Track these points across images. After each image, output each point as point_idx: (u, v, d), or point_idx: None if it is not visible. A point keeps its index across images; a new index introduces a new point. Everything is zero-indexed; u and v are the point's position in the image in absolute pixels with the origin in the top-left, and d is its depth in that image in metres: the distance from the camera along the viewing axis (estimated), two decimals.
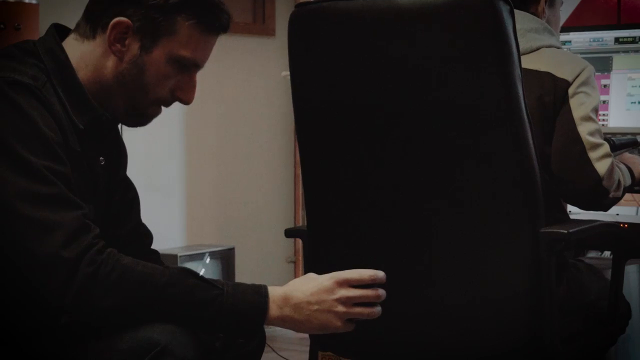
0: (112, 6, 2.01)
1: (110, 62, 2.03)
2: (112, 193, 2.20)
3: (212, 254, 5.12)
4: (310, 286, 1.96)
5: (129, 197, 2.29)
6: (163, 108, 2.14)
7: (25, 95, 1.88)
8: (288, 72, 2.58)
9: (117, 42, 2.02)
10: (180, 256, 4.93)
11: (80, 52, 2.05)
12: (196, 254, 5.06)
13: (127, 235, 2.23)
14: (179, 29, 2.02)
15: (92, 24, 2.05)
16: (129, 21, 2.00)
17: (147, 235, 2.32)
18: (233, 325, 1.91)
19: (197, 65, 2.09)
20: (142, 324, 1.82)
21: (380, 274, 1.96)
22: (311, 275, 2.00)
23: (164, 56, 2.03)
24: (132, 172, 2.34)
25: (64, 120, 1.95)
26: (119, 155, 2.25)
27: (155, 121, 2.16)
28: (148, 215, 2.48)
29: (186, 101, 2.11)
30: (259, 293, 1.93)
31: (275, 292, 1.95)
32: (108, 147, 2.16)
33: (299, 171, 2.77)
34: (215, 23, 2.07)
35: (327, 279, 1.95)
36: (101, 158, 2.11)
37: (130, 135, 2.54)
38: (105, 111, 2.06)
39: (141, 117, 2.12)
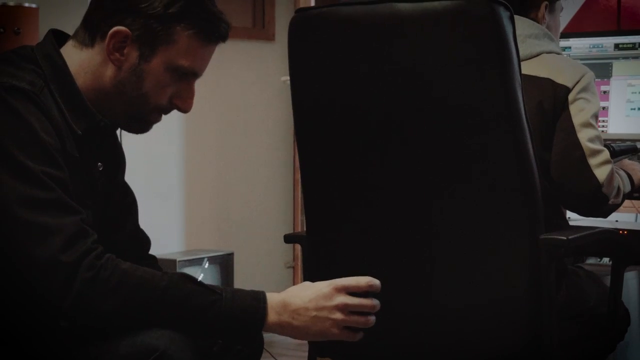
0: (111, 15, 2.01)
1: (109, 71, 2.03)
2: (110, 198, 2.19)
3: (211, 259, 5.12)
4: (308, 293, 1.96)
5: (127, 202, 2.29)
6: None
7: (23, 101, 1.88)
8: (288, 77, 2.58)
9: (115, 51, 2.01)
10: (179, 261, 4.92)
11: (79, 59, 2.05)
12: (195, 259, 5.05)
13: (125, 240, 2.23)
14: (178, 39, 2.02)
15: (90, 32, 2.05)
16: (128, 30, 2.00)
17: (145, 241, 2.32)
18: (231, 330, 1.90)
19: (195, 74, 2.09)
20: (140, 329, 1.82)
21: (376, 282, 1.97)
22: (307, 283, 2.00)
23: (162, 65, 2.03)
24: (131, 177, 2.33)
25: (61, 126, 1.95)
26: (117, 160, 2.25)
27: (155, 126, 2.16)
28: (147, 220, 2.48)
29: (184, 109, 2.11)
30: (258, 299, 1.93)
31: (273, 298, 1.95)
32: (106, 153, 2.16)
33: (299, 176, 2.78)
34: (215, 33, 2.07)
35: (325, 286, 1.96)
36: (99, 164, 2.11)
37: (129, 141, 2.54)
38: (103, 117, 2.07)
39: (141, 123, 2.12)
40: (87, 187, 2.03)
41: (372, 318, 1.97)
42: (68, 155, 1.94)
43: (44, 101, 1.92)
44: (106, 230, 2.09)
